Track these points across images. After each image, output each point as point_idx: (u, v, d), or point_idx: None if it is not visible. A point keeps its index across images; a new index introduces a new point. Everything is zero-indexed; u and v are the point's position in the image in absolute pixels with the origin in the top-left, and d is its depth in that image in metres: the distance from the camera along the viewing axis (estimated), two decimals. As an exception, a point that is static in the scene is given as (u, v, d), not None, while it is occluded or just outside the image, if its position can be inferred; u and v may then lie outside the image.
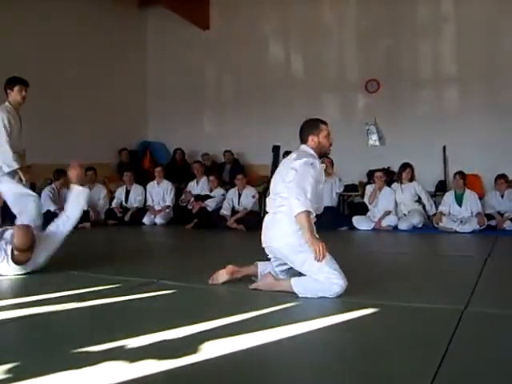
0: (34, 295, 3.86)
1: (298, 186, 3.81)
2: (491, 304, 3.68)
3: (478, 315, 3.37)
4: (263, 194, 10.25)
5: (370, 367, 2.49)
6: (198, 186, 10.02)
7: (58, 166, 9.42)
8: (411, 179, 8.92)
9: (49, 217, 8.47)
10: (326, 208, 8.80)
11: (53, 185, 9.27)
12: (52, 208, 8.68)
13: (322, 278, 3.77)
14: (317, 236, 3.88)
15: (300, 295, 3.78)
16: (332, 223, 8.81)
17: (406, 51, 10.90)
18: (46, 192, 9.09)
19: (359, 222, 8.84)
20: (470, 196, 8.60)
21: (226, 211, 9.07)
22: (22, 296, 3.84)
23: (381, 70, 11.01)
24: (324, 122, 4.23)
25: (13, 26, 9.78)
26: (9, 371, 2.39)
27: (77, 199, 4.92)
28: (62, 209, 5.57)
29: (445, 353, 2.58)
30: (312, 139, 4.15)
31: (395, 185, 9.02)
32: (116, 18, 12.14)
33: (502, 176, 8.77)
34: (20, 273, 4.59)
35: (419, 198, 8.91)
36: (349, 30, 11.41)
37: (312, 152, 4.12)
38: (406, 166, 8.97)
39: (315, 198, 3.94)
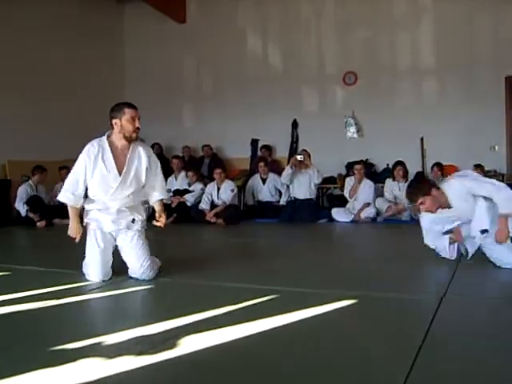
0: (9, 293, 3.83)
1: None
2: (468, 293, 3.71)
3: (455, 304, 3.39)
4: (242, 187, 10.26)
5: (346, 358, 2.50)
6: (176, 181, 9.98)
7: (34, 162, 9.36)
8: (404, 176, 8.93)
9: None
10: (304, 200, 8.99)
11: (29, 181, 9.18)
12: (22, 211, 8.78)
13: None
14: None
15: None
16: (311, 215, 8.85)
17: (384, 43, 10.95)
18: (22, 188, 9.03)
19: (338, 214, 8.88)
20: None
21: (204, 205, 9.05)
22: (0, 293, 3.81)
23: (359, 62, 11.06)
24: None
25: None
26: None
27: None
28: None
29: (422, 342, 2.60)
30: None
31: (391, 182, 9.02)
32: (92, 11, 12.01)
33: (479, 166, 8.85)
34: None
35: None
36: (327, 22, 11.42)
37: None
38: (397, 164, 9.00)
39: None
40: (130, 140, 4.26)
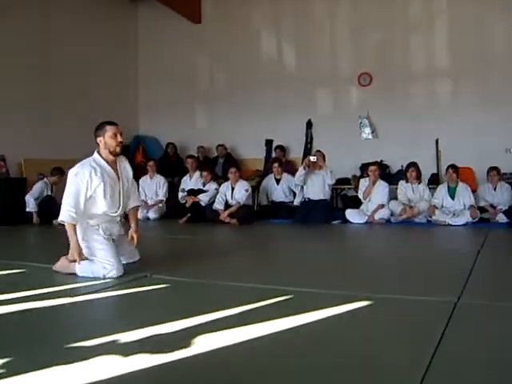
0: (23, 291, 3.85)
1: None
2: (484, 296, 3.68)
3: (470, 307, 3.37)
4: (256, 188, 10.26)
5: (362, 360, 2.49)
6: (191, 181, 10.00)
7: (49, 161, 9.42)
8: (417, 178, 8.88)
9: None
10: (318, 201, 8.97)
11: (45, 179, 9.27)
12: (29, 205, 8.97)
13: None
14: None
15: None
16: (325, 216, 8.82)
17: (399, 44, 10.92)
18: (38, 185, 9.17)
19: (352, 215, 8.84)
20: (462, 189, 8.61)
21: (219, 205, 9.05)
22: (15, 291, 3.82)
23: (373, 63, 11.02)
24: None
25: (5, 24, 9.74)
26: (2, 366, 2.38)
27: None
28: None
29: (437, 345, 2.58)
30: None
31: (404, 184, 8.97)
32: (106, 11, 12.08)
33: (494, 168, 8.78)
34: None
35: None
36: (341, 23, 11.39)
37: None
38: (409, 165, 8.94)
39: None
40: (114, 154, 4.56)
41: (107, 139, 4.48)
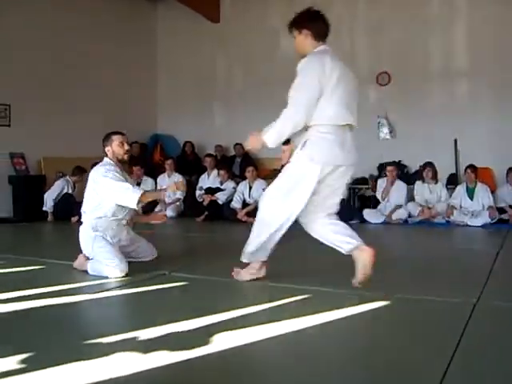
0: (42, 287, 3.89)
1: None
2: (503, 298, 3.66)
3: (489, 309, 3.35)
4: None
5: (380, 360, 2.48)
6: (209, 179, 10.03)
7: (67, 159, 9.51)
8: (433, 178, 8.84)
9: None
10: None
11: (67, 177, 9.38)
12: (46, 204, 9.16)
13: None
14: None
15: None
16: (342, 216, 8.77)
17: (418, 44, 10.83)
18: (59, 183, 9.33)
19: (370, 215, 8.83)
20: (481, 189, 8.55)
21: (236, 204, 9.07)
22: (35, 287, 3.86)
23: (392, 62, 10.95)
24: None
25: (27, 20, 9.83)
26: (22, 362, 2.41)
27: None
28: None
29: (456, 346, 2.57)
30: None
31: (420, 185, 8.94)
32: (125, 11, 12.13)
33: (514, 169, 8.72)
34: None
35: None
36: (360, 22, 11.35)
37: None
38: (425, 165, 8.90)
39: None
40: (122, 162, 4.82)
41: (115, 148, 4.73)
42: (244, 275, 4.10)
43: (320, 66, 3.84)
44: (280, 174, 4.08)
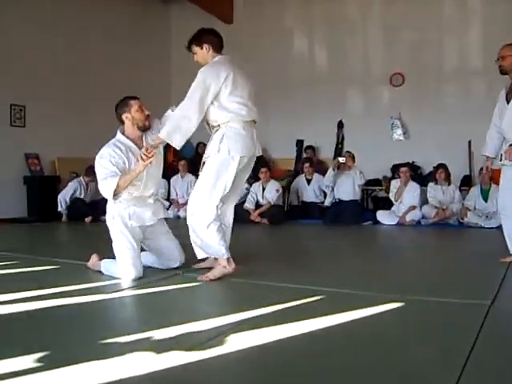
0: (58, 286, 3.91)
1: None
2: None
3: (504, 311, 3.34)
4: (287, 187, 10.25)
5: (394, 362, 2.48)
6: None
7: (81, 159, 9.57)
8: (446, 179, 8.81)
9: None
10: (349, 202, 8.95)
11: (80, 178, 9.45)
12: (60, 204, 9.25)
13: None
14: None
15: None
16: (356, 217, 8.79)
17: (431, 44, 10.80)
18: (72, 184, 9.39)
19: (383, 216, 8.81)
20: (496, 191, 8.48)
21: (249, 205, 9.08)
22: (52, 287, 3.88)
23: (406, 63, 10.93)
24: None
25: (39, 21, 9.90)
26: (36, 361, 2.42)
27: None
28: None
29: (472, 348, 2.56)
30: None
31: (434, 187, 8.90)
32: (138, 12, 12.18)
33: (529, 171, 8.64)
34: None
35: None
36: (373, 23, 11.33)
37: None
38: (438, 167, 8.88)
39: None
40: (143, 129, 4.36)
41: (134, 114, 4.35)
42: (214, 273, 4.17)
43: (215, 72, 4.42)
44: (203, 171, 4.29)
